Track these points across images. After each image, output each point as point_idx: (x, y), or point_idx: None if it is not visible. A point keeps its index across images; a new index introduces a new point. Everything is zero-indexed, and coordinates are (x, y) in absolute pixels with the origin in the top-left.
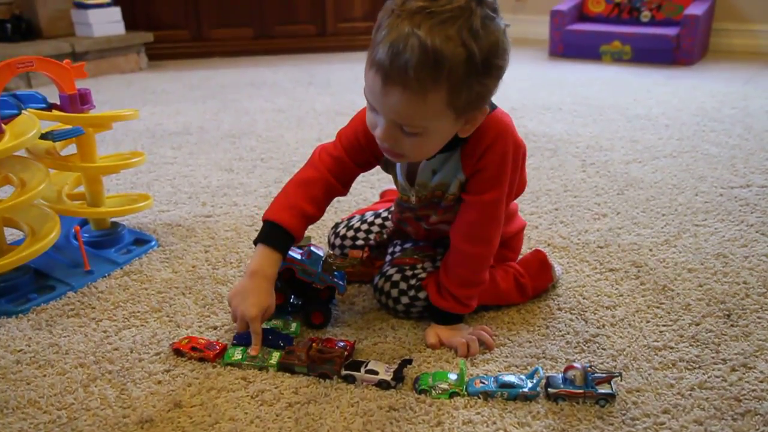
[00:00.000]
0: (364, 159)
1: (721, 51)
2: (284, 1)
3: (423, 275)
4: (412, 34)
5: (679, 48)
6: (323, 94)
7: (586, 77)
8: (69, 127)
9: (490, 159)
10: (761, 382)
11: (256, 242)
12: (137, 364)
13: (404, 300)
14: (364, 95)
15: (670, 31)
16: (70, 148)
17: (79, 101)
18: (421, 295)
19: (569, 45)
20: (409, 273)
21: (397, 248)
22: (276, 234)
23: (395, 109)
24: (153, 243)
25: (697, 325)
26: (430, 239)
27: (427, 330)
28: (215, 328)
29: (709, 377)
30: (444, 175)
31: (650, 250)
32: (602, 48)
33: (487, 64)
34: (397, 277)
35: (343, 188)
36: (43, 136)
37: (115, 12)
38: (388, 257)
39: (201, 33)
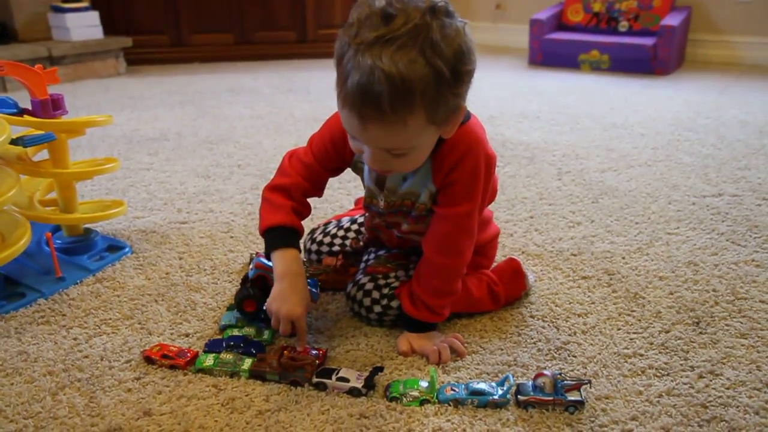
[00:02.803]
0: (334, 165)
1: (696, 61)
2: (265, 7)
3: (396, 284)
4: (376, 67)
5: (656, 58)
6: (302, 101)
7: (565, 86)
8: (41, 132)
9: (462, 172)
10: (727, 388)
11: (268, 253)
12: (107, 371)
13: (377, 309)
14: (344, 126)
15: (647, 41)
16: (43, 154)
17: (51, 106)
18: (394, 304)
19: (548, 54)
20: (382, 282)
21: (371, 256)
22: (281, 234)
23: (378, 140)
24: (126, 249)
25: (667, 332)
26: (404, 247)
27: (399, 337)
28: (187, 335)
29: (677, 384)
30: (413, 183)
31: (623, 258)
32: (581, 57)
33: (456, 74)
34: (369, 286)
35: (317, 191)
36: (14, 142)
37: (94, 16)
38: (362, 265)
39: (181, 38)
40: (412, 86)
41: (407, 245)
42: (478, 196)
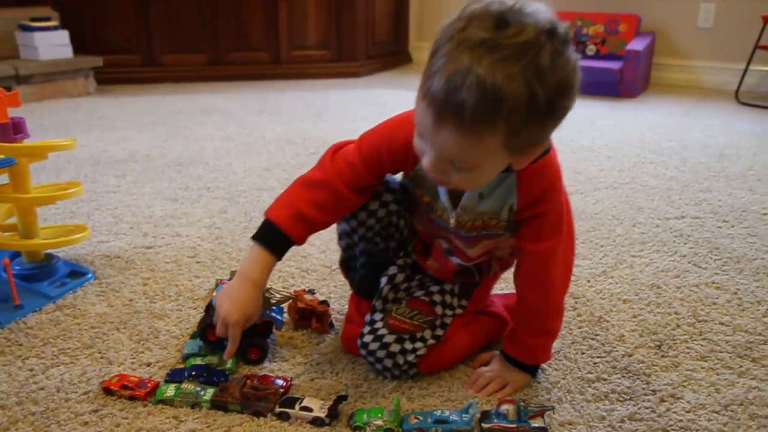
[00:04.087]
0: (383, 174)
1: (661, 84)
2: (238, 27)
3: (422, 351)
4: (471, 70)
5: (623, 81)
6: (274, 122)
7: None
8: (0, 156)
9: (550, 204)
10: (688, 412)
11: (253, 238)
12: (63, 404)
13: (395, 372)
14: (414, 121)
15: (614, 65)
16: (3, 178)
17: (11, 130)
18: (412, 371)
19: None
20: (408, 346)
21: (386, 288)
22: (271, 234)
23: (446, 146)
24: (89, 275)
25: (630, 356)
26: (454, 273)
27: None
28: (149, 364)
29: (639, 408)
30: (493, 202)
31: (588, 281)
32: None
33: (550, 106)
34: (395, 348)
35: (356, 195)
36: None
37: (63, 35)
38: (378, 302)
39: (153, 58)
40: (502, 103)
41: (452, 274)
42: (563, 230)
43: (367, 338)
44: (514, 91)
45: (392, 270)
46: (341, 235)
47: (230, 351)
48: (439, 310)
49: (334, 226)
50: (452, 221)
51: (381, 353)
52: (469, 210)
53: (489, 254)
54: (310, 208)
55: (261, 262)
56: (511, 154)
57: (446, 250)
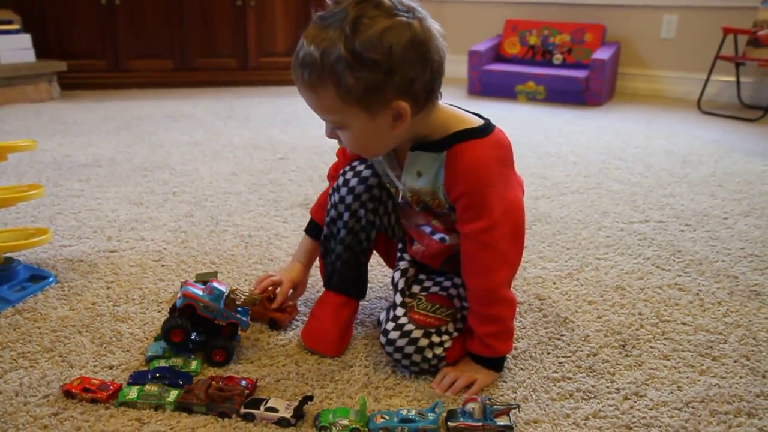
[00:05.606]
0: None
1: (626, 93)
2: (206, 34)
3: (449, 344)
4: (302, 42)
5: (589, 89)
6: (242, 128)
7: (502, 115)
8: None
9: (466, 185)
10: (650, 409)
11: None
12: (22, 408)
13: (424, 366)
14: None
15: (580, 74)
16: None
17: None
18: (442, 365)
19: (486, 84)
20: (436, 340)
21: (402, 282)
22: (311, 226)
23: (310, 105)
24: (51, 279)
25: (595, 355)
26: (442, 257)
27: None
28: (111, 367)
29: (603, 406)
30: (428, 181)
31: (554, 283)
32: (517, 88)
33: (359, 59)
34: (424, 342)
35: None
36: None
37: (25, 39)
38: (397, 295)
39: (118, 63)
40: (318, 61)
41: (447, 254)
42: (493, 211)
43: (393, 334)
44: (328, 50)
45: (403, 264)
46: (329, 208)
47: (279, 302)
48: (457, 303)
49: None
50: (400, 196)
51: (409, 349)
52: (410, 187)
53: (456, 231)
54: (324, 198)
55: (303, 245)
56: (364, 111)
57: (429, 233)
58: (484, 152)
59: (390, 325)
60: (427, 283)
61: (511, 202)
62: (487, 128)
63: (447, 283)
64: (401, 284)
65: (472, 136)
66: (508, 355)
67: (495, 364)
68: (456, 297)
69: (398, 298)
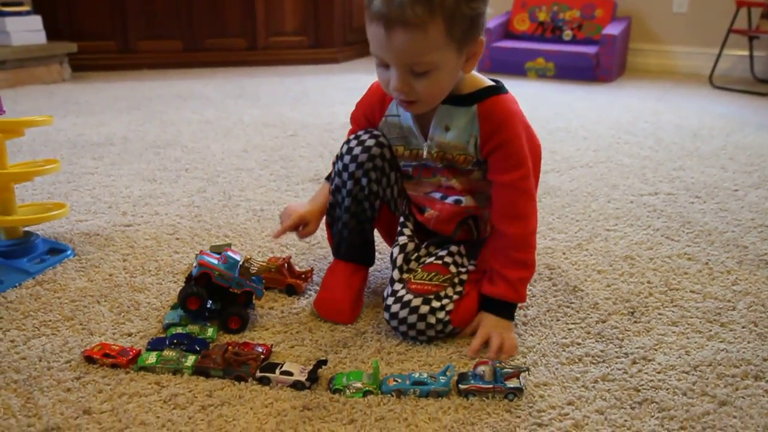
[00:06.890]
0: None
1: (637, 69)
2: (215, 14)
3: (451, 307)
4: None
5: (599, 65)
6: (252, 107)
7: (512, 92)
8: None
9: (507, 134)
10: (659, 372)
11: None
12: (45, 372)
13: (430, 333)
14: (372, 54)
15: (590, 50)
16: None
17: None
18: (448, 329)
19: (496, 61)
20: (436, 304)
21: (400, 258)
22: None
23: (402, 49)
24: (69, 252)
25: (604, 322)
26: (455, 221)
27: (472, 325)
28: (130, 334)
29: (611, 370)
30: (459, 134)
31: (563, 253)
32: (527, 65)
33: None
34: (424, 309)
35: None
36: None
37: (36, 20)
38: (395, 271)
39: (128, 44)
40: None
41: (457, 219)
42: (527, 160)
43: (394, 307)
44: None
45: (402, 239)
46: (333, 176)
47: (278, 232)
48: (453, 269)
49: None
50: (425, 153)
51: (412, 318)
52: (438, 142)
53: (472, 192)
54: None
55: (322, 189)
56: (457, 48)
57: (441, 198)
58: (514, 105)
59: (390, 300)
60: (423, 256)
61: (535, 152)
62: (504, 87)
63: (442, 253)
64: (399, 260)
65: (498, 92)
66: (518, 321)
67: (512, 312)
68: (452, 264)
69: (396, 274)
